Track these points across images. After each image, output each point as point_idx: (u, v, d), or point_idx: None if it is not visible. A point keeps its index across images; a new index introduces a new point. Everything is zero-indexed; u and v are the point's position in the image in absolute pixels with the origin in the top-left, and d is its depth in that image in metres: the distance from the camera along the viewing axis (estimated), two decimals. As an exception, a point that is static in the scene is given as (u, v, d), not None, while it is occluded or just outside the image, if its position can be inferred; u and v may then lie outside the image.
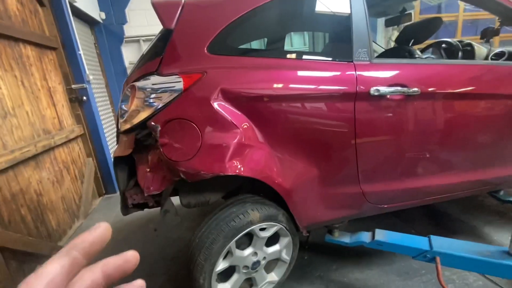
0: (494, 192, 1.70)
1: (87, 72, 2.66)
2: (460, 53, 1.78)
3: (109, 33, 3.50)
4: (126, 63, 3.65)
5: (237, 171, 1.08)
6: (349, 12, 1.24)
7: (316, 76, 1.20)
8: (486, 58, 1.74)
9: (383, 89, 1.20)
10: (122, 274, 0.24)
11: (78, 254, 0.22)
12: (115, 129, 1.40)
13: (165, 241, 2.02)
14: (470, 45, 1.79)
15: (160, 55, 1.14)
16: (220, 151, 1.09)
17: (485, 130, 1.43)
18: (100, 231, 0.24)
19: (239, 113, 1.12)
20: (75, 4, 2.63)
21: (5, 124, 1.70)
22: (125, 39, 3.59)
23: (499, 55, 1.67)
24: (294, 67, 1.21)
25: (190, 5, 1.16)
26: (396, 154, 1.34)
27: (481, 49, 1.77)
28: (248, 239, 1.25)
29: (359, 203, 1.37)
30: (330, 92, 1.19)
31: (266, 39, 1.76)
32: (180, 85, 1.08)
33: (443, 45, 1.90)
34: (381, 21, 4.02)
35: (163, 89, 1.10)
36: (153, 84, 1.11)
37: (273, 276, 1.39)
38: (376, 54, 1.99)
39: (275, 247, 1.31)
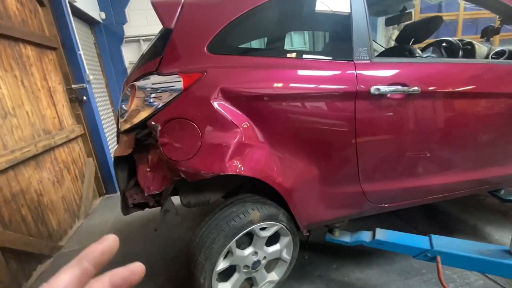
0: (494, 191, 1.70)
1: (87, 72, 2.66)
2: (460, 52, 1.77)
3: (109, 33, 3.50)
4: (126, 63, 3.66)
5: (237, 170, 1.08)
6: (349, 11, 1.24)
7: (317, 75, 1.20)
8: (486, 57, 1.73)
9: (384, 88, 1.19)
10: (128, 285, 0.25)
11: (88, 264, 0.23)
12: (115, 129, 1.40)
13: (166, 240, 2.02)
14: (470, 44, 1.78)
15: (160, 54, 1.14)
16: (220, 150, 1.08)
17: (485, 129, 1.42)
18: (108, 242, 0.25)
19: (239, 112, 1.12)
20: (75, 4, 2.63)
21: (5, 124, 1.70)
22: (125, 39, 3.59)
23: (499, 54, 1.67)
24: (294, 66, 1.21)
25: (190, 5, 1.15)
26: (396, 153, 1.34)
27: (481, 48, 1.76)
28: (249, 239, 1.25)
29: (360, 203, 1.37)
30: (330, 91, 1.18)
31: (266, 39, 1.75)
32: (180, 85, 1.08)
33: (444, 44, 1.90)
34: (381, 20, 4.01)
35: (163, 88, 1.10)
36: (153, 84, 1.11)
37: (274, 276, 1.39)
38: (376, 53, 1.98)
39: (276, 247, 1.31)
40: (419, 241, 1.29)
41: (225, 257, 1.21)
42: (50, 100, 2.27)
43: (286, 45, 3.55)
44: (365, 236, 1.39)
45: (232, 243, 1.17)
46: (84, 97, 2.64)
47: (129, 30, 3.58)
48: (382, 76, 1.23)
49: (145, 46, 3.47)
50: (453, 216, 2.00)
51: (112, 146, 3.15)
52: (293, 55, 1.38)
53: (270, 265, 1.38)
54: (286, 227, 1.28)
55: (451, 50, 1.84)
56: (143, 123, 1.11)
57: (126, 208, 1.32)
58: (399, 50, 1.69)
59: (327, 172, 1.28)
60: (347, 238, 1.44)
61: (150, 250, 1.93)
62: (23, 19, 2.04)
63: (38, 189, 1.94)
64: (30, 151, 1.84)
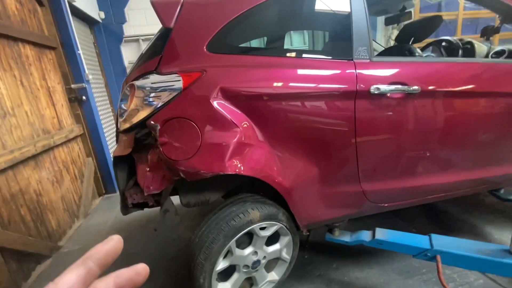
0: (494, 191, 1.69)
1: (87, 71, 2.66)
2: (460, 51, 1.77)
3: (108, 33, 3.50)
4: (126, 63, 3.65)
5: (237, 170, 1.08)
6: (349, 10, 1.23)
7: (316, 74, 1.20)
8: (486, 56, 1.73)
9: (383, 87, 1.19)
10: (133, 286, 0.26)
11: (93, 264, 0.24)
12: (115, 129, 1.40)
13: (165, 240, 2.02)
14: (470, 43, 1.78)
15: (159, 54, 1.13)
16: (220, 150, 1.08)
17: (485, 128, 1.42)
18: (113, 243, 0.26)
19: (239, 112, 1.12)
20: (74, 3, 2.62)
21: (4, 124, 1.70)
22: (124, 39, 3.58)
23: (499, 53, 1.67)
24: (294, 65, 1.21)
25: (189, 4, 1.15)
26: (396, 152, 1.34)
27: (481, 47, 1.76)
28: (248, 238, 1.25)
29: (360, 202, 1.37)
30: (330, 91, 1.18)
31: (265, 38, 1.75)
32: (179, 84, 1.08)
33: (443, 43, 1.89)
34: (381, 20, 4.01)
35: (162, 88, 1.09)
36: (152, 83, 1.11)
37: (274, 275, 1.39)
38: (376, 53, 1.98)
39: (275, 246, 1.31)
40: (419, 240, 1.29)
41: (225, 256, 1.20)
42: (49, 99, 2.27)
43: (286, 45, 3.55)
44: (365, 235, 1.39)
45: (232, 243, 1.17)
46: (84, 97, 2.63)
47: (129, 29, 3.58)
48: (382, 76, 1.23)
49: (144, 46, 3.47)
50: (453, 216, 2.00)
51: (111, 145, 3.14)
52: (293, 54, 1.38)
53: (270, 264, 1.38)
54: (286, 226, 1.27)
55: (451, 49, 1.84)
56: (143, 123, 1.11)
57: (126, 208, 1.32)
58: (399, 49, 1.69)
59: (327, 172, 1.28)
60: (347, 238, 1.44)
61: (150, 250, 1.93)
62: (22, 19, 2.04)
63: (37, 189, 1.93)
64: (29, 151, 1.83)
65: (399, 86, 1.21)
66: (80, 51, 2.60)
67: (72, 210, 2.37)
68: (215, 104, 1.08)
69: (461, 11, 4.51)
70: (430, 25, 1.66)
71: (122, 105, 1.19)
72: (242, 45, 1.45)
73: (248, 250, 1.24)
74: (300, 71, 1.19)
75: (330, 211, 1.35)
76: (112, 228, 2.30)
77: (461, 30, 4.61)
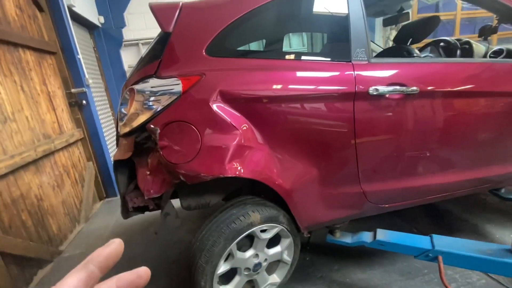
0: (495, 190, 1.69)
1: (87, 76, 2.67)
2: (458, 52, 1.78)
3: (108, 37, 3.51)
4: (125, 67, 3.66)
5: (237, 172, 1.08)
6: (346, 12, 1.24)
7: (315, 76, 1.20)
8: (484, 56, 1.73)
9: (382, 88, 1.20)
10: None
11: (94, 268, 0.24)
12: (115, 133, 1.40)
13: (166, 244, 2.02)
14: (468, 43, 1.79)
15: (158, 58, 1.14)
16: (220, 153, 1.08)
17: (484, 128, 1.43)
18: (114, 246, 0.26)
19: (238, 114, 1.12)
20: (73, 8, 2.64)
21: (5, 129, 1.70)
22: (124, 43, 3.60)
23: (497, 53, 1.67)
24: (293, 68, 1.21)
25: (188, 8, 1.16)
26: (396, 153, 1.34)
27: (479, 47, 1.77)
28: (249, 241, 1.24)
29: (360, 203, 1.37)
30: (329, 92, 1.19)
31: (264, 41, 1.76)
32: (178, 88, 1.08)
33: (442, 44, 1.90)
34: (379, 21, 4.03)
35: (162, 91, 1.10)
36: (152, 87, 1.11)
37: (275, 278, 1.38)
38: (374, 54, 1.99)
39: (277, 249, 1.31)
40: (420, 241, 1.29)
41: (226, 259, 1.20)
42: (50, 104, 2.27)
43: (285, 47, 3.56)
44: (366, 236, 1.39)
45: (233, 246, 1.16)
46: (84, 101, 2.64)
47: (128, 34, 3.59)
48: (381, 77, 1.24)
49: (144, 50, 3.48)
50: (454, 216, 1.99)
51: (112, 149, 3.15)
52: (292, 56, 1.38)
53: (271, 267, 1.38)
54: (286, 228, 1.27)
55: (449, 49, 1.85)
56: (143, 127, 1.11)
57: (126, 212, 1.32)
58: (397, 50, 1.70)
59: (327, 173, 1.28)
60: (348, 239, 1.44)
61: (151, 254, 1.92)
62: (22, 25, 2.05)
63: (38, 193, 1.94)
64: (30, 155, 1.84)
65: (398, 87, 1.22)
66: (80, 56, 2.62)
67: (73, 215, 2.37)
68: (214, 107, 1.08)
69: (459, 11, 4.52)
70: (428, 25, 1.67)
71: (122, 109, 1.20)
72: (240, 48, 1.46)
73: (249, 252, 1.24)
74: (299, 73, 1.20)
75: (331, 212, 1.35)
76: (113, 232, 2.30)
77: (459, 30, 4.63)
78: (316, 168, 1.26)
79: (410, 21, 2.07)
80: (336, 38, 1.42)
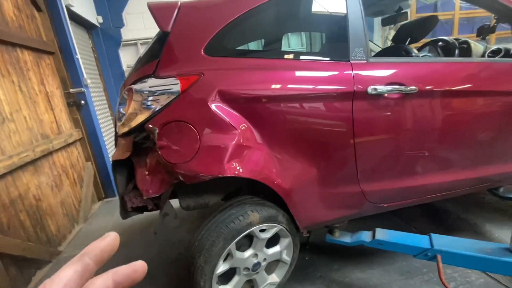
0: (494, 189, 1.70)
1: (85, 76, 2.66)
2: (456, 51, 1.78)
3: (106, 37, 3.51)
4: (124, 67, 3.66)
5: (235, 172, 1.08)
6: (345, 11, 1.24)
7: (314, 76, 1.20)
8: (482, 55, 1.74)
9: (381, 88, 1.20)
10: (130, 283, 0.26)
11: (89, 260, 0.24)
12: (114, 133, 1.40)
13: (165, 244, 2.01)
14: (466, 42, 1.79)
15: (157, 57, 1.14)
16: (219, 152, 1.08)
17: (483, 127, 1.43)
18: (109, 239, 0.26)
19: (237, 114, 1.12)
20: (72, 8, 2.63)
21: (3, 130, 1.70)
22: (122, 43, 3.59)
23: (495, 52, 1.68)
24: (292, 67, 1.21)
25: (186, 8, 1.16)
26: (395, 152, 1.34)
27: (477, 46, 1.77)
28: (248, 241, 1.24)
29: (359, 203, 1.37)
30: (327, 92, 1.19)
31: (263, 40, 1.76)
32: (177, 87, 1.08)
33: (440, 43, 1.90)
34: (377, 20, 4.03)
35: (160, 91, 1.09)
36: (150, 87, 1.11)
37: (274, 278, 1.38)
38: (373, 53, 1.99)
39: (276, 248, 1.31)
40: (419, 240, 1.29)
41: (225, 259, 1.20)
42: (48, 104, 2.27)
43: (283, 47, 3.56)
44: (365, 236, 1.39)
45: (232, 246, 1.16)
46: (82, 101, 2.63)
47: (126, 33, 3.58)
48: (379, 76, 1.24)
49: (142, 49, 3.47)
50: (453, 215, 2.00)
51: (110, 150, 3.14)
52: (290, 56, 1.38)
53: (271, 267, 1.38)
54: (286, 228, 1.27)
55: (448, 49, 1.85)
56: (141, 126, 1.11)
57: (125, 212, 1.32)
58: (396, 50, 1.70)
59: (326, 173, 1.28)
60: (347, 239, 1.44)
61: (150, 254, 1.92)
62: (20, 24, 2.04)
63: (37, 194, 1.93)
64: (28, 156, 1.83)
65: (396, 87, 1.22)
66: (79, 56, 2.61)
67: (71, 215, 2.36)
68: (213, 107, 1.08)
69: (457, 11, 4.53)
70: (426, 25, 1.67)
71: (121, 109, 1.19)
72: (239, 47, 1.46)
73: (248, 252, 1.24)
74: (298, 73, 1.20)
75: (330, 212, 1.35)
76: (112, 232, 2.29)
77: (458, 30, 4.64)
78: (315, 168, 1.25)
79: (408, 20, 2.07)
80: (335, 38, 1.42)
